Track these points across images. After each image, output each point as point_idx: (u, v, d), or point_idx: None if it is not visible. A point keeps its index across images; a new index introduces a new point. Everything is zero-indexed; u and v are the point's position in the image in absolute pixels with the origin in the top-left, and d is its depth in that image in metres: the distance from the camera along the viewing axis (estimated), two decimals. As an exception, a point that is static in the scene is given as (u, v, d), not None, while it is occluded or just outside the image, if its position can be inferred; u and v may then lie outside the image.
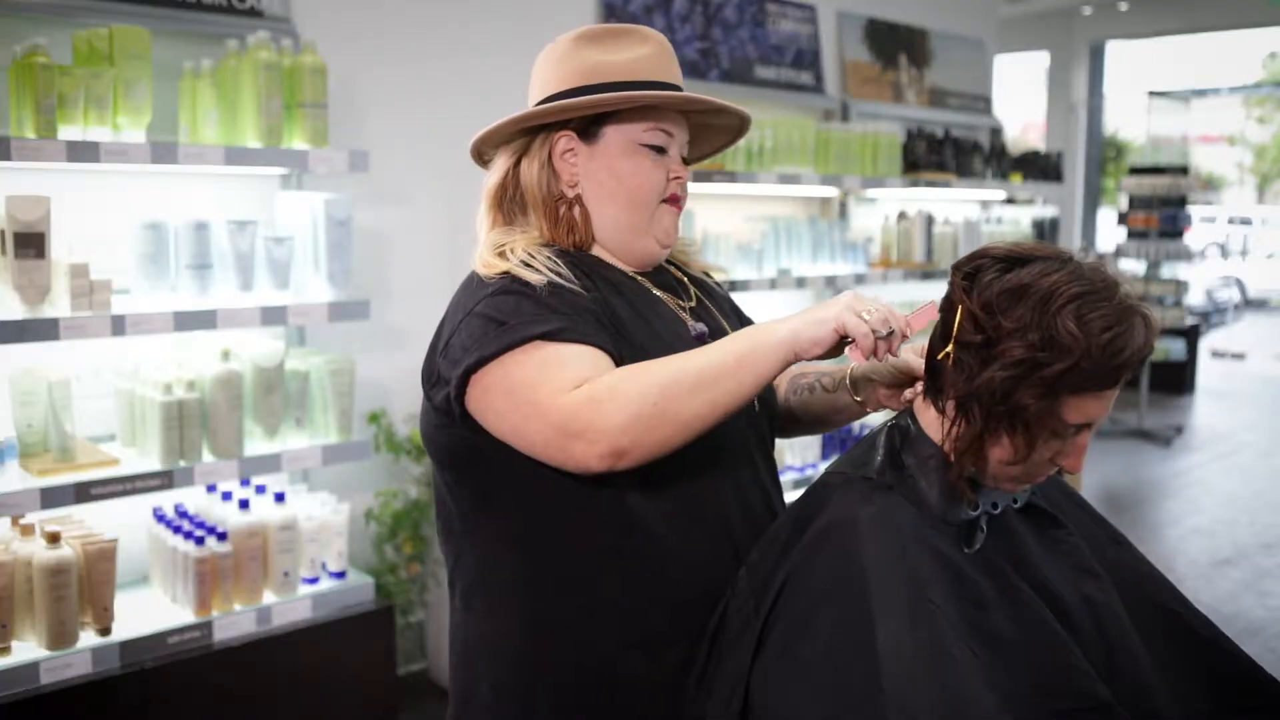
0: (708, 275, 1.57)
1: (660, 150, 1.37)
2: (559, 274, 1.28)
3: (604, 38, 1.37)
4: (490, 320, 1.23)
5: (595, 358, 1.22)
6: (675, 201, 1.39)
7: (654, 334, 1.33)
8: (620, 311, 1.32)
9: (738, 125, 1.48)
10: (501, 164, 1.39)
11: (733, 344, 1.19)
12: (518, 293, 1.25)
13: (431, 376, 1.31)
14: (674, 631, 1.31)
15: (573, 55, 1.36)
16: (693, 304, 1.45)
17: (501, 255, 1.31)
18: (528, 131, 1.38)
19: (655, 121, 1.36)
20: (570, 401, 1.16)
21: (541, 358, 1.20)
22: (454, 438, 1.31)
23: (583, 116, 1.35)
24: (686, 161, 1.44)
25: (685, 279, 1.49)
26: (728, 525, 1.34)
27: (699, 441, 1.22)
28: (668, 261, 1.49)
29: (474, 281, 1.32)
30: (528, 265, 1.28)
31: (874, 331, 1.18)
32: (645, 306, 1.36)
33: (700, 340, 1.38)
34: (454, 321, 1.29)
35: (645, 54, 1.36)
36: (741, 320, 1.58)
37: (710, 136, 1.51)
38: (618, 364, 1.24)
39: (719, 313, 1.49)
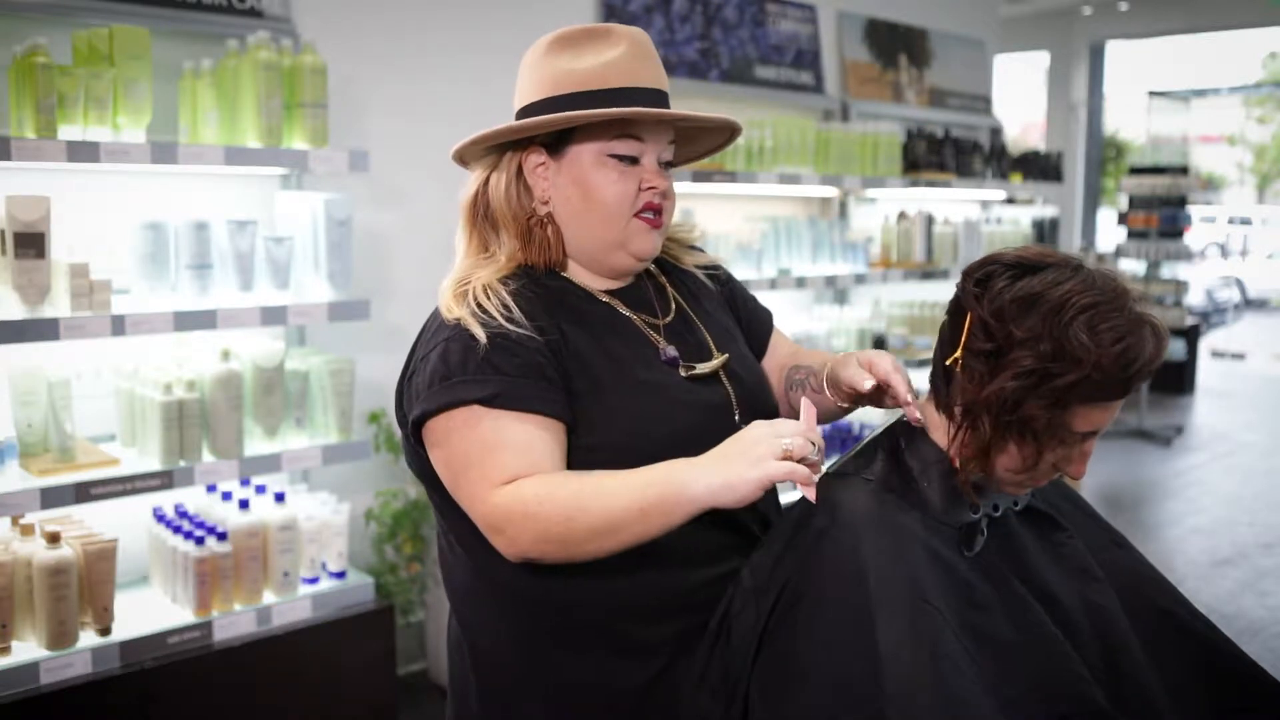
0: (700, 269, 1.52)
1: (632, 160, 1.32)
2: (511, 319, 1.26)
3: (576, 41, 1.33)
4: (439, 368, 1.25)
5: (530, 438, 1.21)
6: (655, 213, 1.34)
7: (617, 367, 1.31)
8: (580, 345, 1.30)
9: (726, 123, 1.42)
10: (474, 179, 1.38)
11: (643, 492, 1.14)
12: (465, 345, 1.25)
13: (402, 404, 1.34)
14: (676, 633, 1.32)
15: (542, 62, 1.33)
16: (669, 318, 1.41)
17: (461, 295, 1.30)
18: (499, 147, 1.35)
19: (624, 131, 1.31)
20: (494, 504, 1.20)
21: (479, 436, 1.22)
22: (425, 460, 1.32)
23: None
24: (675, 163, 1.40)
25: (667, 284, 1.45)
26: (730, 525, 1.34)
27: (699, 447, 1.21)
28: (655, 259, 1.44)
29: (436, 319, 1.32)
30: (478, 313, 1.26)
31: (804, 460, 1.12)
32: (611, 334, 1.34)
33: (672, 365, 1.35)
34: (417, 358, 1.31)
35: (613, 58, 1.31)
36: (737, 316, 1.54)
37: (703, 137, 1.46)
38: (563, 419, 1.25)
39: (703, 318, 1.44)
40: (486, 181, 1.36)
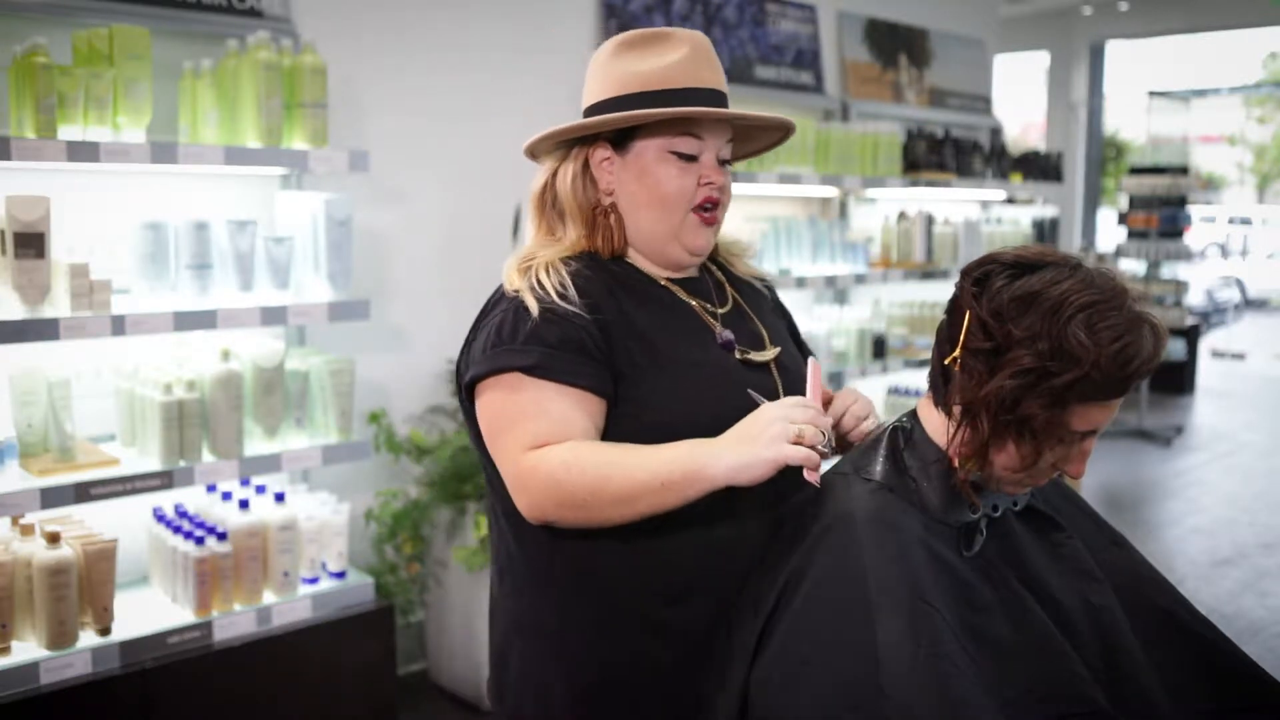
0: (755, 279, 1.61)
1: (691, 158, 1.40)
2: (565, 296, 1.33)
3: (639, 44, 1.41)
4: (493, 336, 1.33)
5: (565, 409, 1.28)
6: (713, 207, 1.42)
7: (675, 342, 1.38)
8: (640, 322, 1.37)
9: (782, 123, 1.52)
10: (543, 171, 1.46)
11: (668, 465, 1.21)
12: (518, 316, 1.33)
13: (460, 369, 1.41)
14: (676, 631, 1.33)
15: (609, 64, 1.41)
16: (726, 308, 1.48)
17: (524, 270, 1.38)
18: (568, 142, 1.43)
19: (684, 129, 1.39)
20: (524, 465, 1.27)
21: (518, 401, 1.29)
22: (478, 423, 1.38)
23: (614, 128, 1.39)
24: (732, 160, 1.48)
25: (725, 282, 1.53)
26: (732, 523, 1.35)
27: None
28: (713, 261, 1.54)
29: (500, 290, 1.40)
30: (535, 288, 1.34)
31: (815, 449, 1.17)
32: (670, 315, 1.41)
33: (728, 348, 1.41)
34: (480, 323, 1.39)
35: (676, 60, 1.39)
36: (786, 321, 1.61)
37: (759, 135, 1.56)
38: (601, 393, 1.31)
39: (758, 315, 1.52)
40: (555, 173, 1.44)
